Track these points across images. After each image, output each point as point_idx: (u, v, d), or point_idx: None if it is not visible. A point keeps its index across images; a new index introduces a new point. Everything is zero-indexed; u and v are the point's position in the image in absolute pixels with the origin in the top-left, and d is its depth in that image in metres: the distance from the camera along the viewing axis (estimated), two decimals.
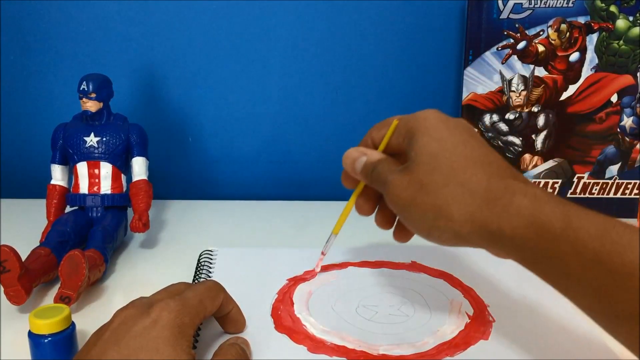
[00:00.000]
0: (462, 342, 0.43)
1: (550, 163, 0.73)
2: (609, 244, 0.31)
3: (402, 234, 0.46)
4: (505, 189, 0.36)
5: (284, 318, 0.46)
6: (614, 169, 0.73)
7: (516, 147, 0.73)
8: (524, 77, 0.71)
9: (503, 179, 0.37)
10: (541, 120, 0.72)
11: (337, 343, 0.42)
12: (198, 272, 0.53)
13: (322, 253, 0.52)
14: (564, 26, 0.69)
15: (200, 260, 0.56)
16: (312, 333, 0.44)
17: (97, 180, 0.60)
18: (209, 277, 0.53)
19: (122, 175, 0.62)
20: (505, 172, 0.38)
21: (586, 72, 0.70)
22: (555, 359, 0.41)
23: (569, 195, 0.73)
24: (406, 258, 0.57)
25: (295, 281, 0.52)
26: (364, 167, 0.44)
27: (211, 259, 0.56)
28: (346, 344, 0.42)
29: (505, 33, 0.70)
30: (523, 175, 0.36)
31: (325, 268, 0.55)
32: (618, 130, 0.72)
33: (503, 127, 0.72)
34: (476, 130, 0.41)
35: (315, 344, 0.42)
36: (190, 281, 0.52)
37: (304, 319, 0.46)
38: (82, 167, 0.60)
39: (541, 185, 0.72)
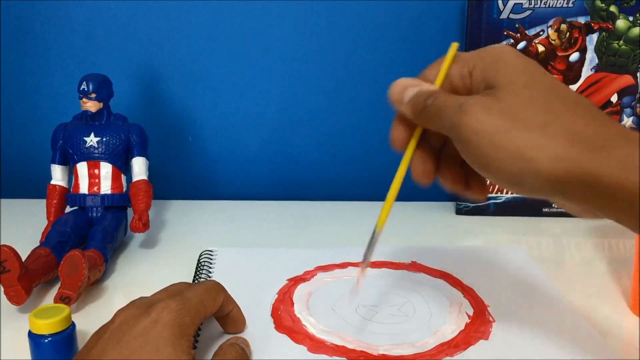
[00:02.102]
0: (462, 342, 0.43)
1: None
2: None
3: (479, 189, 0.38)
4: (622, 135, 0.30)
5: (284, 318, 0.46)
6: None
7: None
8: None
9: (611, 125, 0.31)
10: None
11: (337, 343, 0.42)
12: (198, 272, 0.53)
13: (364, 263, 0.40)
14: (564, 26, 0.69)
15: (200, 260, 0.56)
16: (312, 333, 0.44)
17: (97, 180, 0.60)
18: (209, 277, 0.53)
19: (122, 175, 0.62)
20: (608, 119, 0.32)
21: (586, 72, 0.70)
22: (555, 359, 0.41)
23: None
24: (406, 258, 0.57)
25: (295, 281, 0.52)
26: (418, 96, 0.36)
27: (211, 259, 0.56)
28: (346, 344, 0.42)
29: (505, 33, 0.70)
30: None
31: (325, 268, 0.55)
32: None
33: None
34: None
35: (315, 344, 0.42)
36: (190, 281, 0.52)
37: (304, 319, 0.46)
38: (82, 167, 0.60)
39: None
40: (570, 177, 0.30)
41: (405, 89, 0.37)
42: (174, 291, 0.40)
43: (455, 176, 0.38)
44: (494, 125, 0.32)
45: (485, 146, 0.32)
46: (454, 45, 0.37)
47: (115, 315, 0.37)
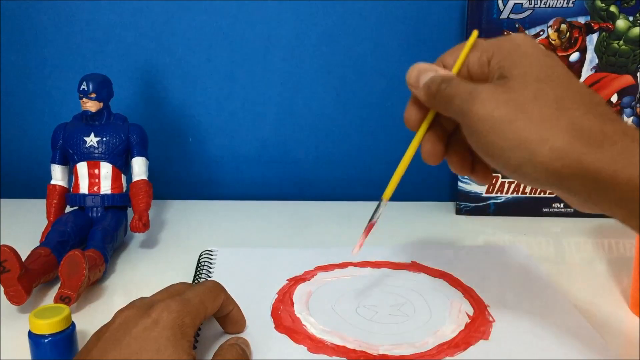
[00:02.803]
0: (462, 342, 0.43)
1: None
2: None
3: (484, 175, 0.40)
4: (622, 133, 0.31)
5: (284, 318, 0.46)
6: None
7: None
8: None
9: (614, 122, 0.32)
10: None
11: (337, 343, 0.42)
12: (198, 272, 0.53)
13: (372, 222, 0.44)
14: (564, 26, 0.69)
15: (200, 260, 0.56)
16: (312, 333, 0.44)
17: (97, 180, 0.60)
18: (209, 277, 0.53)
19: (122, 175, 0.62)
20: (614, 116, 0.33)
21: (586, 72, 0.70)
22: (555, 359, 0.41)
23: None
24: (406, 258, 0.57)
25: (295, 281, 0.52)
26: (432, 81, 0.38)
27: (211, 259, 0.56)
28: (346, 344, 0.42)
29: (505, 33, 0.70)
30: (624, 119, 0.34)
31: (325, 268, 0.55)
32: None
33: None
34: None
35: (315, 344, 0.42)
36: (190, 281, 0.52)
37: (304, 319, 0.46)
38: (82, 167, 0.60)
39: None
40: (568, 170, 0.31)
41: (422, 73, 0.38)
42: (174, 291, 0.40)
43: (462, 160, 0.40)
44: (500, 115, 0.33)
45: (490, 134, 0.33)
46: (475, 33, 0.38)
47: (115, 315, 0.37)
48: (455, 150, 0.40)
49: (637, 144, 0.31)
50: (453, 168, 0.41)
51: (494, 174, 0.42)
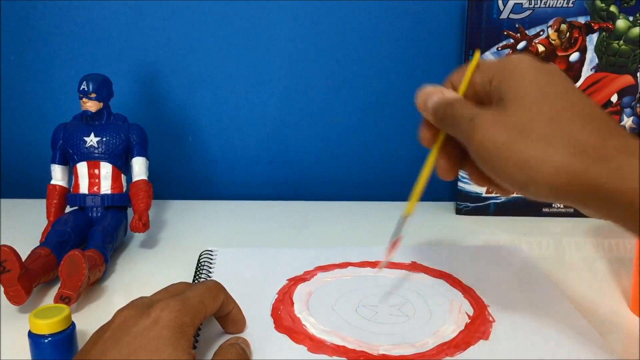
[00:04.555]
0: (462, 342, 0.43)
1: None
2: None
3: (503, 188, 0.40)
4: (618, 148, 0.32)
5: (284, 318, 0.46)
6: None
7: None
8: None
9: (614, 137, 0.33)
10: None
11: (337, 343, 0.42)
12: (198, 272, 0.53)
13: (396, 241, 0.45)
14: (564, 26, 0.69)
15: (200, 260, 0.56)
16: (312, 333, 0.44)
17: (97, 180, 0.60)
18: (209, 277, 0.53)
19: (122, 175, 0.62)
20: (614, 129, 0.34)
21: (586, 72, 0.70)
22: (555, 359, 0.41)
23: None
24: (406, 258, 0.57)
25: (295, 281, 0.52)
26: (438, 104, 0.39)
27: (211, 259, 0.56)
28: (346, 344, 0.42)
29: (505, 33, 0.70)
30: (627, 131, 0.35)
31: (325, 268, 0.55)
32: None
33: None
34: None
35: (315, 344, 0.42)
36: (190, 281, 0.52)
37: (304, 319, 0.46)
38: (82, 167, 0.60)
39: None
40: (571, 185, 0.33)
41: (428, 97, 0.40)
42: (174, 291, 0.40)
43: (480, 174, 0.39)
44: (500, 140, 0.34)
45: (492, 158, 0.35)
46: (477, 54, 0.39)
47: (115, 315, 0.37)
48: (471, 165, 0.40)
49: (634, 158, 0.31)
50: (472, 181, 0.42)
51: None
